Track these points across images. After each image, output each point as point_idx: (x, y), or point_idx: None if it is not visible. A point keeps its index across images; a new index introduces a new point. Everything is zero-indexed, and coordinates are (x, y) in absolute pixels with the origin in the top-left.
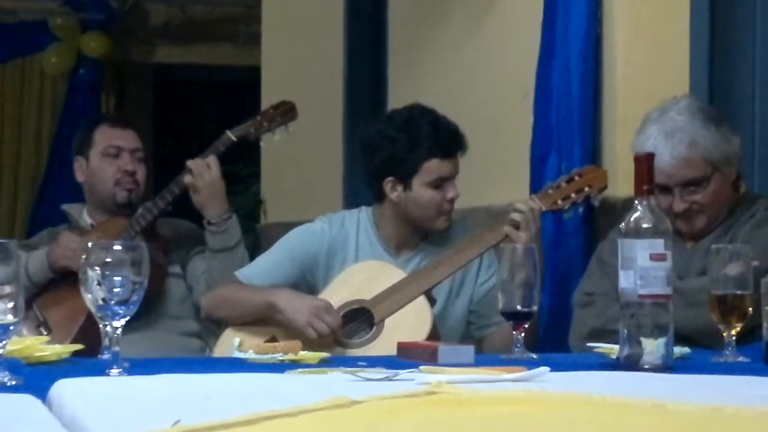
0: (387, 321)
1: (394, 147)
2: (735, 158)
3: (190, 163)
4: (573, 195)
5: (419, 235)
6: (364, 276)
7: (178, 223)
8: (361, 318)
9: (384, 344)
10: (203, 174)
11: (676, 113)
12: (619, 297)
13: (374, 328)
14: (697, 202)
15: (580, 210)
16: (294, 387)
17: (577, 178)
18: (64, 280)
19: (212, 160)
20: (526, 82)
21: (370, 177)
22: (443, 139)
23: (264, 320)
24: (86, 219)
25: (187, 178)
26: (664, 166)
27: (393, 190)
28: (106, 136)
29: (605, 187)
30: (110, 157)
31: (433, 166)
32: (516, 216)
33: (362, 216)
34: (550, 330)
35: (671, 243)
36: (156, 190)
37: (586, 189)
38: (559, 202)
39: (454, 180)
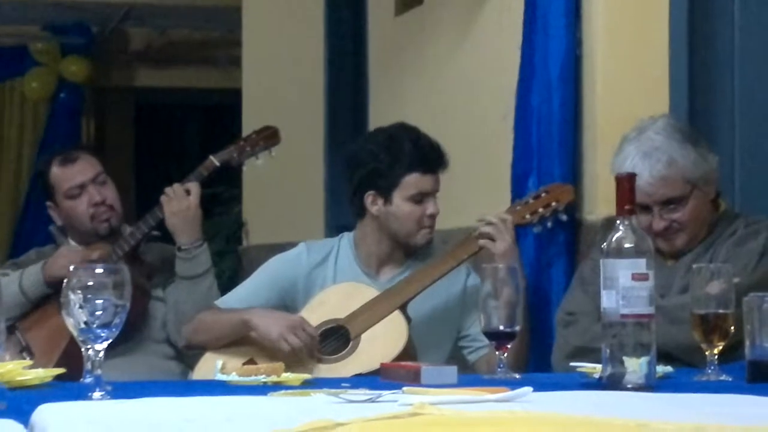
0: (363, 336)
1: (375, 161)
2: (713, 176)
3: (169, 188)
4: (541, 209)
5: (402, 253)
6: (339, 296)
7: (163, 248)
8: (337, 335)
9: (361, 358)
10: (181, 198)
11: (654, 133)
12: (602, 317)
13: (351, 343)
14: (676, 220)
15: (549, 224)
16: (277, 409)
17: (543, 194)
18: (47, 304)
19: (193, 186)
20: (507, 103)
21: (351, 192)
22: (424, 154)
23: (242, 342)
24: (71, 243)
25: (163, 199)
26: (642, 185)
27: (374, 204)
28: (61, 179)
29: (572, 202)
30: (76, 198)
31: (413, 180)
32: (487, 228)
33: (343, 242)
34: (532, 350)
35: (653, 262)
36: (139, 212)
37: (554, 204)
38: (528, 216)
39: (434, 196)
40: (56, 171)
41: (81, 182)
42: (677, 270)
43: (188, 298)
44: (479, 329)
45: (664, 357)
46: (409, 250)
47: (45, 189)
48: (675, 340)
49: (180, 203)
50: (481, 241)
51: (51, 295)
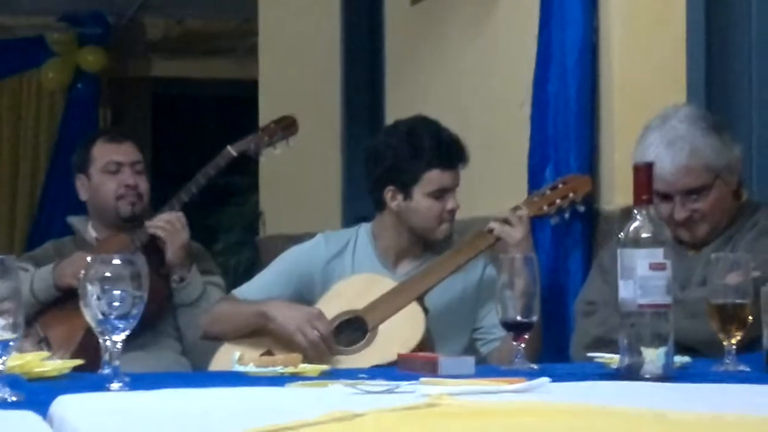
0: (380, 327)
1: (395, 156)
2: (736, 166)
3: (165, 222)
4: (558, 201)
5: (420, 246)
6: (355, 288)
7: None
8: (354, 326)
9: (378, 350)
10: (183, 230)
11: (677, 121)
12: (619, 307)
13: (368, 334)
14: (698, 210)
15: (566, 215)
16: (294, 400)
17: (561, 185)
18: (67, 299)
19: (182, 216)
20: (524, 91)
21: (371, 186)
22: (444, 150)
23: (259, 333)
24: (91, 233)
25: (166, 232)
26: (665, 174)
27: (393, 199)
28: (104, 152)
29: (589, 193)
30: (111, 174)
31: (434, 177)
32: (499, 221)
33: (361, 232)
34: (549, 341)
35: (671, 252)
36: (155, 203)
37: (571, 195)
38: (545, 207)
39: (454, 191)
40: (101, 144)
41: (120, 161)
42: (698, 261)
43: (190, 323)
44: (493, 321)
45: (685, 351)
46: (427, 244)
47: (81, 160)
48: (696, 335)
49: (184, 236)
50: (496, 227)
51: (70, 292)
